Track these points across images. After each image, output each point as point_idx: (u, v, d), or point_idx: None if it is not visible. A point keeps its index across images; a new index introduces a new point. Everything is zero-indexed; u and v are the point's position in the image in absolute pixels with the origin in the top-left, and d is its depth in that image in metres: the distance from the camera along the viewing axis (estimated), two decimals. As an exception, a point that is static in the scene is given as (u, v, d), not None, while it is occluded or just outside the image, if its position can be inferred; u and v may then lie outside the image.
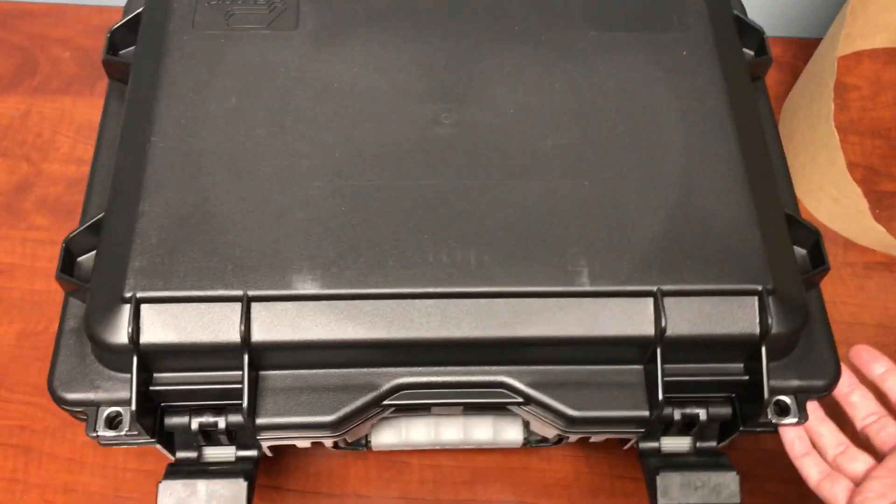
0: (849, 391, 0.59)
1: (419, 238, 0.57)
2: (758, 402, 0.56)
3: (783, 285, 0.57)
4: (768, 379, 0.56)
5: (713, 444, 0.63)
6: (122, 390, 0.56)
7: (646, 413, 0.57)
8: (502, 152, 0.61)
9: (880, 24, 0.88)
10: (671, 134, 0.62)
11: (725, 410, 0.60)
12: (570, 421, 0.57)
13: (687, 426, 0.61)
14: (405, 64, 0.64)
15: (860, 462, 0.57)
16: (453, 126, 0.62)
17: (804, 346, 0.59)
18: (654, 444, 0.63)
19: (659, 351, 0.55)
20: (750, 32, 0.70)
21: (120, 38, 0.68)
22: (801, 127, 0.84)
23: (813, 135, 0.82)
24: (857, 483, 0.56)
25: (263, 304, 0.55)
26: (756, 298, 0.56)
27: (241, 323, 0.54)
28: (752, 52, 0.71)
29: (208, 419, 0.58)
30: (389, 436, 0.67)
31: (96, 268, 0.57)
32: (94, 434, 0.56)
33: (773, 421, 0.58)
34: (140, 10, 0.68)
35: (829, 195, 0.83)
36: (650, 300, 0.55)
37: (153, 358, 0.55)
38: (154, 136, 0.60)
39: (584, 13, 0.67)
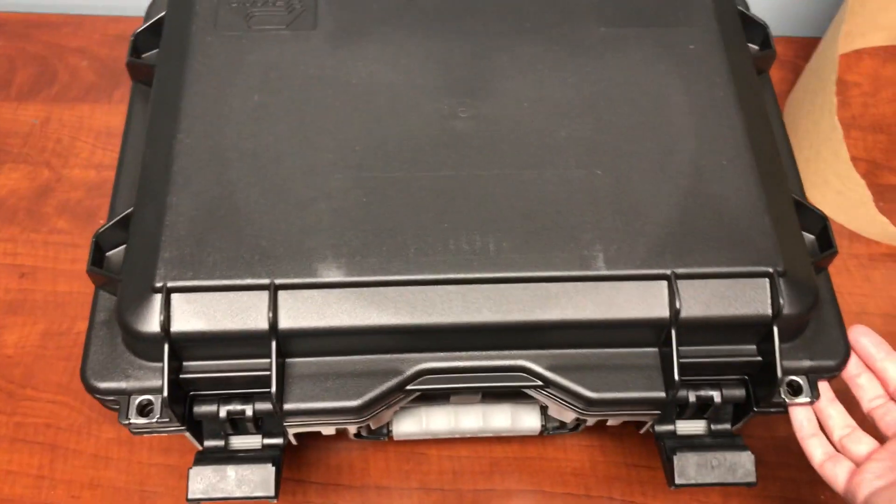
0: (857, 373, 0.61)
1: (439, 226, 0.59)
2: (771, 382, 0.58)
3: (793, 268, 0.58)
4: (781, 359, 0.57)
5: (727, 426, 0.65)
6: (153, 379, 0.58)
7: (662, 394, 0.58)
8: (518, 144, 0.63)
9: (879, 22, 0.90)
10: (681, 124, 0.64)
11: (739, 392, 0.61)
12: (589, 403, 0.59)
13: (701, 409, 0.63)
14: (421, 61, 0.67)
15: (864, 444, 0.59)
16: (470, 119, 0.64)
17: (814, 328, 0.61)
18: (669, 427, 0.64)
19: (674, 332, 0.57)
20: (754, 27, 0.73)
21: (143, 41, 0.70)
22: (805, 122, 0.86)
23: (816, 129, 0.84)
24: (859, 465, 0.58)
25: (290, 291, 0.57)
26: (767, 280, 0.58)
27: (268, 310, 0.55)
28: (756, 47, 0.73)
29: (236, 407, 0.60)
30: (410, 425, 0.69)
31: (127, 260, 0.59)
32: (127, 422, 0.57)
33: (787, 400, 0.59)
34: (162, 14, 0.70)
35: (834, 188, 0.85)
36: (664, 283, 0.57)
37: (183, 346, 0.57)
38: (180, 133, 0.62)
39: (593, 10, 0.70)
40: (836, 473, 0.58)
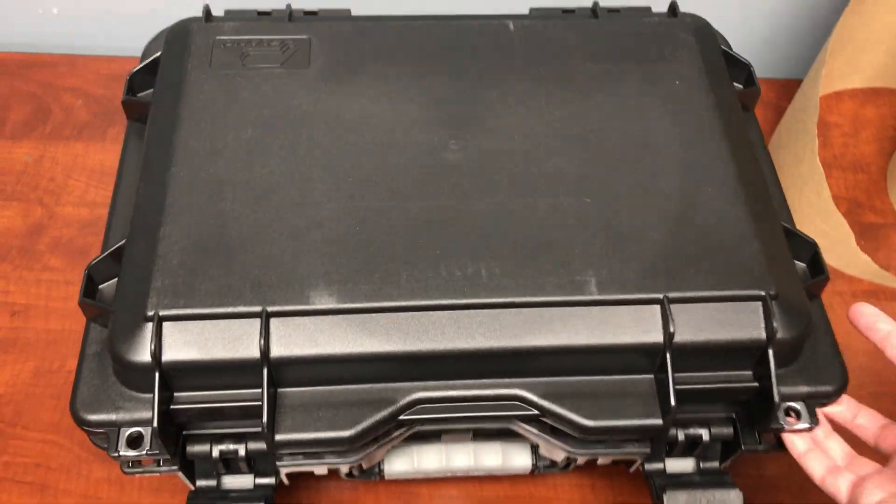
0: (852, 416, 0.59)
1: (431, 253, 0.57)
2: (768, 408, 0.56)
3: (785, 291, 0.57)
4: (777, 383, 0.55)
5: (716, 464, 0.63)
6: (143, 410, 0.55)
7: (659, 421, 0.56)
8: (509, 174, 0.61)
9: (858, 64, 0.90)
10: (668, 154, 0.63)
11: (727, 430, 0.60)
12: (585, 431, 0.56)
13: (690, 447, 0.62)
14: (413, 96, 0.66)
15: (866, 467, 0.57)
16: (461, 152, 0.62)
17: (810, 354, 0.59)
18: (659, 466, 0.63)
19: (668, 356, 0.55)
20: (738, 66, 0.72)
21: (139, 81, 0.69)
22: (788, 162, 0.85)
23: (799, 169, 0.83)
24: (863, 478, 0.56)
25: (282, 319, 0.54)
26: (760, 303, 0.56)
27: (260, 338, 0.53)
28: (740, 86, 0.73)
29: (229, 447, 0.58)
30: (402, 464, 0.66)
31: (119, 290, 0.57)
32: (116, 454, 0.54)
33: (785, 427, 0.57)
34: (158, 54, 0.69)
35: (817, 227, 0.84)
36: (657, 307, 0.55)
37: (175, 375, 0.54)
38: (174, 167, 0.60)
39: (581, 48, 0.69)
40: (838, 486, 0.55)
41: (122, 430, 0.55)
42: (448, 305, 0.55)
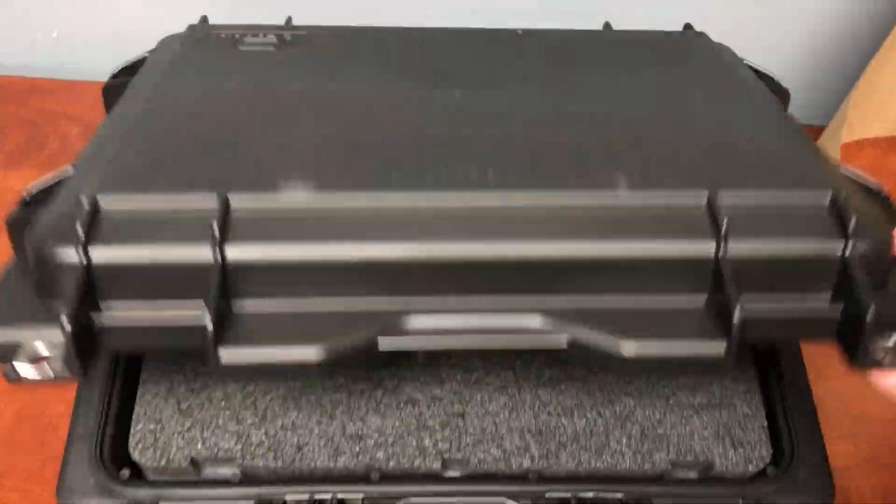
0: None
1: (428, 157, 0.47)
2: (859, 333, 0.42)
3: (856, 197, 0.46)
4: (866, 303, 0.42)
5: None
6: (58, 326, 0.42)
7: (721, 345, 0.42)
8: (520, 113, 0.53)
9: (881, 113, 0.83)
10: (701, 107, 0.55)
11: None
12: (624, 361, 0.42)
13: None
14: (416, 65, 0.59)
15: None
16: (467, 99, 0.54)
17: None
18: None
19: (724, 258, 0.42)
20: (762, 78, 0.66)
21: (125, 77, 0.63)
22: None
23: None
24: None
25: (243, 211, 0.43)
26: (829, 206, 0.44)
27: (215, 228, 0.42)
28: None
29: None
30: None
31: (53, 195, 0.46)
32: (13, 373, 0.41)
33: (887, 360, 0.42)
34: (147, 53, 0.64)
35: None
36: (704, 209, 0.44)
37: (105, 278, 0.42)
38: (144, 106, 0.52)
39: (595, 45, 0.64)
40: None
41: (26, 343, 0.41)
42: (449, 207, 0.44)
